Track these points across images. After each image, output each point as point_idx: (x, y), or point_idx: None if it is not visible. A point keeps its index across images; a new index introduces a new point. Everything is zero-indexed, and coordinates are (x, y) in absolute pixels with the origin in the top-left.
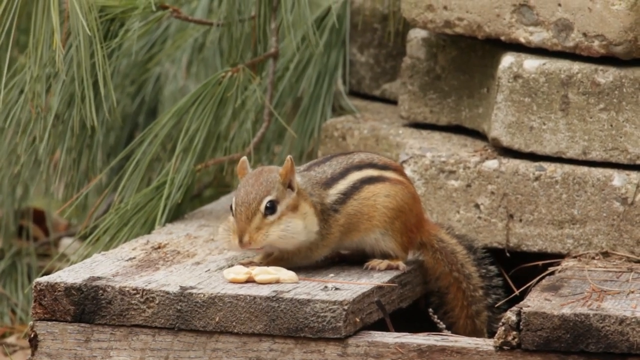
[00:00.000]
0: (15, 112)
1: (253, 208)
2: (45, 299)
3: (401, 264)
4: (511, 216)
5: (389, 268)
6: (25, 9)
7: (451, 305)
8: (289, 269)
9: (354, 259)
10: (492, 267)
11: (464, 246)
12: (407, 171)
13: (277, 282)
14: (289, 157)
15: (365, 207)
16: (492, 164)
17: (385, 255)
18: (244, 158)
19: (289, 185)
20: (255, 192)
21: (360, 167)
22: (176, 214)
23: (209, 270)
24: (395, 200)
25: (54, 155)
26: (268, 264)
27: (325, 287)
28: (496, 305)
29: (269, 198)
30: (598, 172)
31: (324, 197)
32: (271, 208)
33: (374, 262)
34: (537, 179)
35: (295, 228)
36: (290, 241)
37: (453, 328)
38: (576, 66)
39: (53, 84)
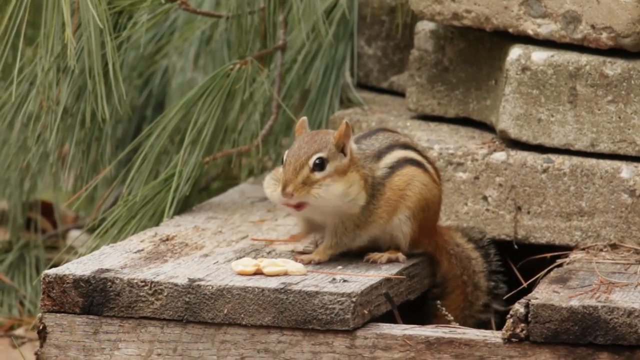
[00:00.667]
0: (27, 105)
1: (302, 161)
2: (54, 291)
3: (400, 255)
4: (519, 208)
5: (389, 261)
6: (35, 2)
7: (447, 302)
8: (339, 252)
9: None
10: (502, 285)
11: (481, 254)
12: None
13: (286, 274)
14: (344, 120)
15: (403, 184)
16: (500, 156)
17: (394, 244)
18: (305, 118)
19: (342, 150)
20: (307, 148)
21: (405, 146)
22: (184, 207)
23: (217, 262)
24: (430, 193)
25: (62, 147)
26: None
27: (334, 279)
28: (504, 298)
29: (319, 155)
30: (606, 164)
31: (374, 170)
32: (320, 165)
33: (375, 256)
34: (545, 171)
35: (335, 191)
36: (325, 202)
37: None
38: (584, 58)
39: (62, 77)
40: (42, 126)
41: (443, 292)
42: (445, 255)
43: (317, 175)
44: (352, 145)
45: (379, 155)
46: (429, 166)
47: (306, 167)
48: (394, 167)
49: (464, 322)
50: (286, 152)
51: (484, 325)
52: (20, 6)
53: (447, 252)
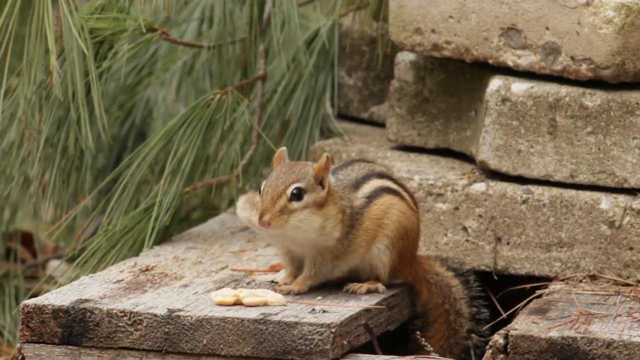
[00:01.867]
0: (8, 134)
1: (280, 191)
2: (33, 321)
3: (380, 286)
4: (499, 239)
5: (368, 292)
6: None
7: (432, 333)
8: (319, 283)
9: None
10: (484, 310)
11: (460, 281)
12: None
13: (265, 304)
14: (325, 154)
15: (381, 213)
16: (479, 187)
17: (374, 275)
18: (284, 148)
19: (321, 183)
20: (285, 178)
21: (381, 175)
22: (164, 237)
23: (196, 292)
24: (408, 221)
25: (42, 177)
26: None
27: (313, 309)
28: (483, 329)
29: (296, 185)
30: (586, 195)
31: (353, 200)
32: (297, 195)
33: (354, 286)
34: (524, 202)
35: (312, 223)
36: (303, 234)
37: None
38: (564, 89)
39: (45, 105)
40: (23, 155)
41: (426, 322)
42: (424, 284)
43: (295, 205)
44: (330, 179)
45: (357, 185)
46: (405, 194)
47: (284, 196)
48: (372, 197)
49: (450, 350)
50: (264, 181)
51: (469, 351)
52: (4, 35)
53: (426, 281)
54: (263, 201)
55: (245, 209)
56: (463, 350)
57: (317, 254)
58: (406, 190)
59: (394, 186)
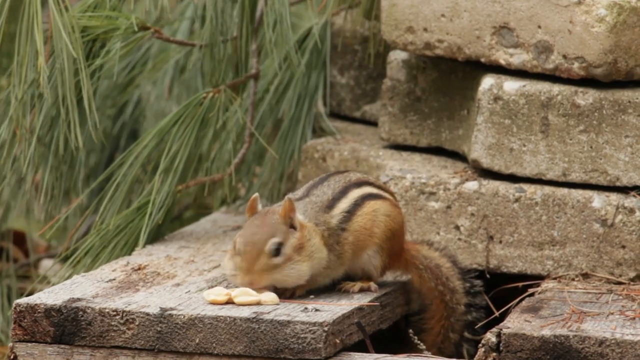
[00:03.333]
0: (0, 134)
1: (258, 249)
2: (25, 320)
3: (372, 285)
4: (491, 237)
5: (361, 290)
6: (9, 31)
7: (430, 315)
8: (313, 289)
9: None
10: (477, 281)
11: (448, 259)
12: None
13: (258, 303)
14: (287, 197)
15: (368, 222)
16: (472, 185)
17: (366, 275)
18: (256, 195)
19: (291, 225)
20: (261, 234)
21: (359, 184)
22: (156, 236)
23: (189, 291)
24: (393, 222)
25: (35, 176)
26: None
27: (306, 308)
28: (476, 327)
29: (274, 240)
30: (578, 193)
31: (329, 221)
32: (276, 249)
33: (347, 285)
34: (517, 200)
35: (299, 271)
36: (296, 281)
37: (423, 335)
38: (556, 88)
39: (37, 104)
40: (15, 154)
41: (421, 310)
42: (414, 270)
43: (276, 260)
44: (298, 217)
45: (332, 203)
46: (386, 194)
47: (263, 255)
48: (353, 209)
49: (452, 329)
50: (238, 238)
51: (472, 325)
52: None
53: (415, 266)
54: (244, 261)
55: (229, 268)
56: (466, 324)
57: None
58: (384, 189)
59: (374, 190)
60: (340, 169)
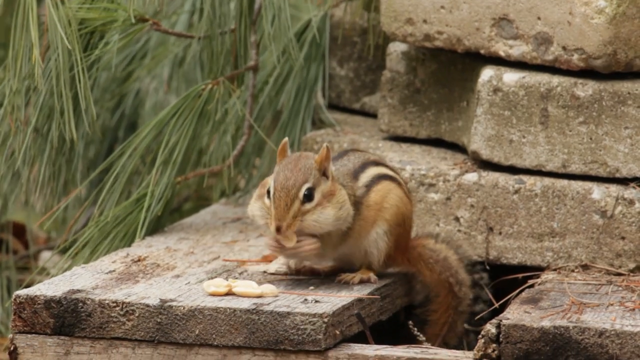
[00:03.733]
0: None
1: (292, 195)
2: (25, 311)
3: (372, 276)
4: (491, 229)
5: (361, 282)
6: (4, 23)
7: (436, 306)
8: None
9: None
10: (484, 274)
11: (454, 251)
12: None
13: (257, 295)
14: (325, 144)
15: (380, 198)
16: (471, 177)
17: (367, 263)
18: (286, 139)
19: (324, 173)
20: (295, 178)
21: (376, 163)
22: (156, 227)
23: (188, 282)
24: (405, 208)
25: (33, 168)
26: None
27: (305, 299)
28: (476, 318)
29: (307, 185)
30: (577, 185)
31: (355, 189)
32: (308, 196)
33: (347, 276)
34: (516, 192)
35: (327, 218)
36: (319, 229)
37: (427, 327)
38: (556, 79)
39: (33, 97)
40: (12, 147)
41: (427, 297)
42: (424, 265)
43: (307, 206)
44: (332, 167)
45: (355, 174)
46: (402, 181)
47: (297, 200)
48: (370, 185)
49: (459, 320)
50: (271, 182)
51: (473, 317)
52: None
53: (424, 262)
54: (277, 208)
55: (256, 210)
56: (470, 315)
57: (330, 232)
58: (400, 176)
59: (391, 173)
60: (353, 147)
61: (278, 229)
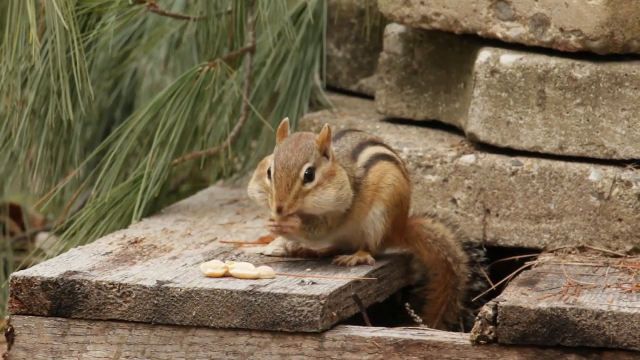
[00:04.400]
0: None
1: (293, 175)
2: (22, 293)
3: (369, 258)
4: (488, 211)
5: (358, 264)
6: (1, 4)
7: (434, 286)
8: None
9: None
10: (481, 252)
11: (452, 230)
12: None
13: (255, 277)
14: (326, 124)
15: (378, 179)
16: (469, 159)
17: (364, 245)
18: (287, 120)
19: (325, 154)
20: (296, 159)
21: (374, 143)
22: (153, 209)
23: (186, 264)
24: (403, 188)
25: (30, 150)
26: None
27: (303, 281)
28: (474, 300)
29: (308, 165)
30: (575, 167)
31: (355, 170)
32: (309, 176)
33: (344, 259)
34: (514, 174)
35: (328, 198)
36: (320, 210)
37: (425, 307)
38: (553, 61)
39: (30, 78)
40: (9, 128)
41: (424, 277)
42: (423, 245)
43: (308, 186)
44: (332, 148)
45: (354, 155)
46: (400, 161)
47: (298, 180)
48: (368, 165)
49: (458, 299)
50: (272, 162)
51: (477, 294)
52: None
53: (422, 242)
54: (278, 188)
55: (255, 191)
56: (468, 294)
57: (326, 215)
58: (399, 158)
59: (389, 152)
60: (351, 127)
61: (279, 210)
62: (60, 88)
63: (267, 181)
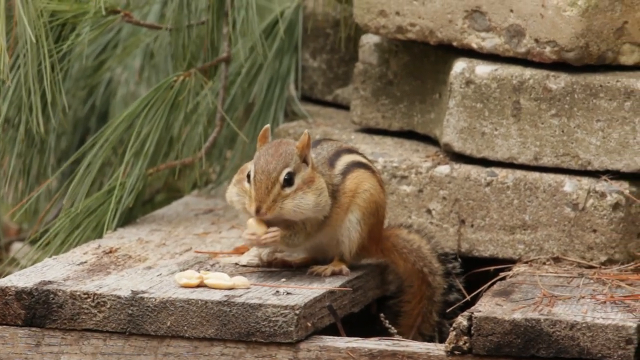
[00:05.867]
0: None
1: (273, 179)
2: None
3: (344, 268)
4: (463, 221)
5: (333, 274)
6: None
7: (409, 297)
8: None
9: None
10: (456, 263)
11: (427, 241)
12: None
13: (229, 287)
14: (306, 131)
15: (354, 185)
16: (444, 169)
17: (339, 254)
18: (268, 126)
19: (304, 160)
20: (275, 163)
21: (350, 151)
22: (128, 219)
23: (160, 274)
24: (378, 197)
25: (3, 160)
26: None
27: (277, 291)
28: (448, 310)
29: (287, 170)
30: (549, 177)
31: (332, 177)
32: (289, 180)
33: (319, 269)
34: (488, 184)
35: (307, 203)
36: (300, 215)
37: (400, 318)
38: (528, 72)
39: (2, 90)
40: None
41: (401, 289)
42: (397, 255)
43: (287, 190)
44: (312, 155)
45: (331, 162)
46: (375, 170)
47: (277, 184)
48: (345, 172)
49: (433, 310)
50: (252, 165)
51: (452, 305)
52: None
53: (398, 252)
54: (257, 190)
55: (233, 195)
56: (444, 305)
57: (301, 224)
58: (373, 165)
59: (365, 161)
60: (326, 137)
61: (257, 210)
62: (30, 101)
63: (246, 184)
